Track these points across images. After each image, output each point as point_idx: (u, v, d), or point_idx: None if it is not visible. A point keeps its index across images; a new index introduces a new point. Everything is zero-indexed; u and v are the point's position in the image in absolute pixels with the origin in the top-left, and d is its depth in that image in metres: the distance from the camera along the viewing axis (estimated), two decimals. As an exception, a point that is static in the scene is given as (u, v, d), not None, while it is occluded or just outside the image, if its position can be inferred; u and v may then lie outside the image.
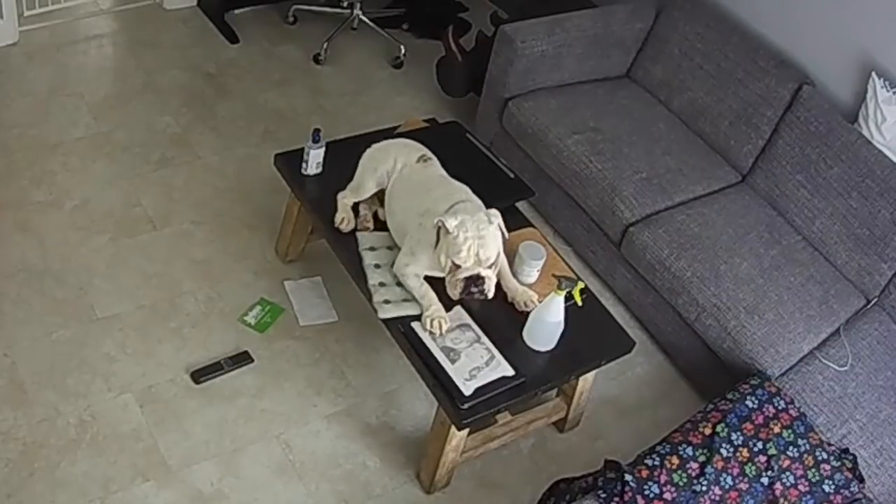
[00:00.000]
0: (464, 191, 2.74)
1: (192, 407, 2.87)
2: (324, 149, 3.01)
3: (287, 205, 3.21)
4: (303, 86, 4.23)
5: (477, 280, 2.54)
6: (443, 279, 2.62)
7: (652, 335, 3.46)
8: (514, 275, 2.84)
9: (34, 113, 3.73)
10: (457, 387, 2.49)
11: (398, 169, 2.86)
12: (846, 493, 2.63)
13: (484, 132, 3.87)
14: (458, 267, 2.54)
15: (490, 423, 2.82)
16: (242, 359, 3.01)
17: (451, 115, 4.08)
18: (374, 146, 2.97)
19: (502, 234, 2.58)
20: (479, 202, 2.72)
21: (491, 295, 2.59)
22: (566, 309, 2.62)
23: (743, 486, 2.56)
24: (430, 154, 2.91)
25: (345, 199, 2.93)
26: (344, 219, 2.89)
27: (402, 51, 4.47)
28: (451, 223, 2.51)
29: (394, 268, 2.74)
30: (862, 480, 2.72)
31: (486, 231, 2.53)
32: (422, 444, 2.88)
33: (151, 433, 2.78)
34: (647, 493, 2.47)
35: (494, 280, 2.60)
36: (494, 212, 2.59)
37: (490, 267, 2.56)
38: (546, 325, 2.63)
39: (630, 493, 2.46)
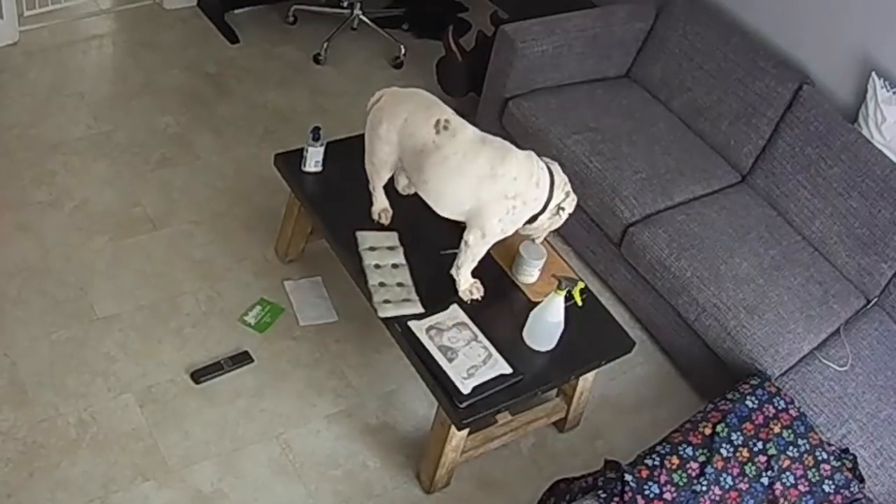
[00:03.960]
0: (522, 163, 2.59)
1: (192, 407, 2.87)
2: (323, 147, 3.01)
3: (287, 205, 3.21)
4: (303, 86, 4.23)
5: None
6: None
7: (652, 335, 3.46)
8: (515, 275, 2.84)
9: (34, 113, 3.73)
10: (455, 385, 2.49)
11: (419, 142, 2.61)
12: (846, 493, 2.63)
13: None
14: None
15: (490, 423, 2.82)
16: (242, 359, 3.01)
17: (451, 115, 4.08)
18: (377, 108, 2.72)
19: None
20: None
21: None
22: (566, 309, 2.62)
23: (743, 486, 2.56)
24: (446, 112, 2.64)
25: (373, 186, 2.86)
26: (382, 212, 2.86)
27: (402, 51, 4.47)
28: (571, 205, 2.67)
29: (471, 244, 2.64)
30: (862, 480, 2.72)
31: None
32: (422, 444, 2.88)
33: (151, 433, 2.78)
34: (647, 493, 2.47)
35: None
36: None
37: None
38: (546, 324, 2.63)
39: (630, 493, 2.46)
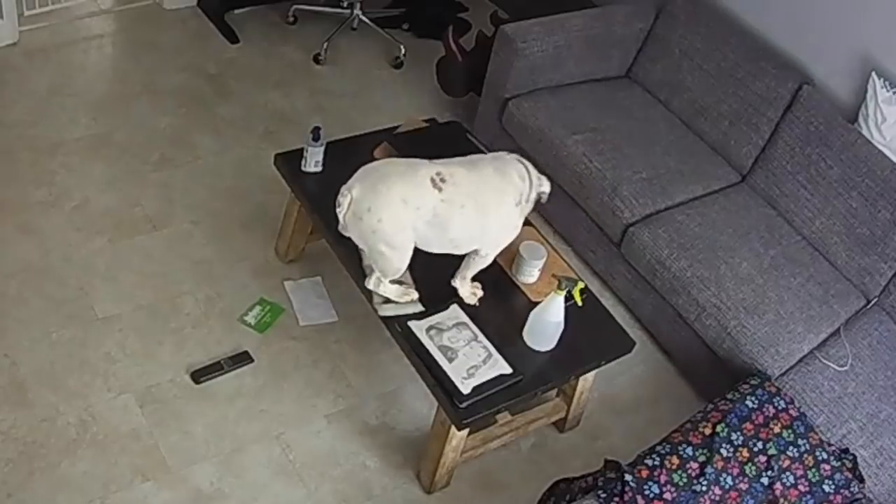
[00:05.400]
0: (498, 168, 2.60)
1: (192, 407, 2.87)
2: (323, 147, 3.01)
3: (287, 205, 3.21)
4: (303, 86, 4.23)
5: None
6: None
7: (652, 335, 3.46)
8: (515, 275, 2.84)
9: (34, 113, 3.73)
10: (455, 386, 2.49)
11: (429, 208, 2.46)
12: (846, 493, 2.63)
13: (484, 132, 3.87)
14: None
15: (490, 423, 2.82)
16: (242, 359, 3.01)
17: (451, 116, 4.08)
18: (356, 210, 2.46)
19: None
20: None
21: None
22: (566, 309, 2.62)
23: (743, 486, 2.56)
24: (428, 166, 2.50)
25: (388, 282, 2.64)
26: (404, 293, 2.68)
27: (402, 51, 4.47)
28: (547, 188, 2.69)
29: (483, 257, 2.66)
30: (862, 480, 2.72)
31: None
32: (422, 444, 2.88)
33: (151, 433, 2.78)
34: (647, 493, 2.47)
35: None
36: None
37: None
38: (546, 324, 2.63)
39: (630, 493, 2.46)
